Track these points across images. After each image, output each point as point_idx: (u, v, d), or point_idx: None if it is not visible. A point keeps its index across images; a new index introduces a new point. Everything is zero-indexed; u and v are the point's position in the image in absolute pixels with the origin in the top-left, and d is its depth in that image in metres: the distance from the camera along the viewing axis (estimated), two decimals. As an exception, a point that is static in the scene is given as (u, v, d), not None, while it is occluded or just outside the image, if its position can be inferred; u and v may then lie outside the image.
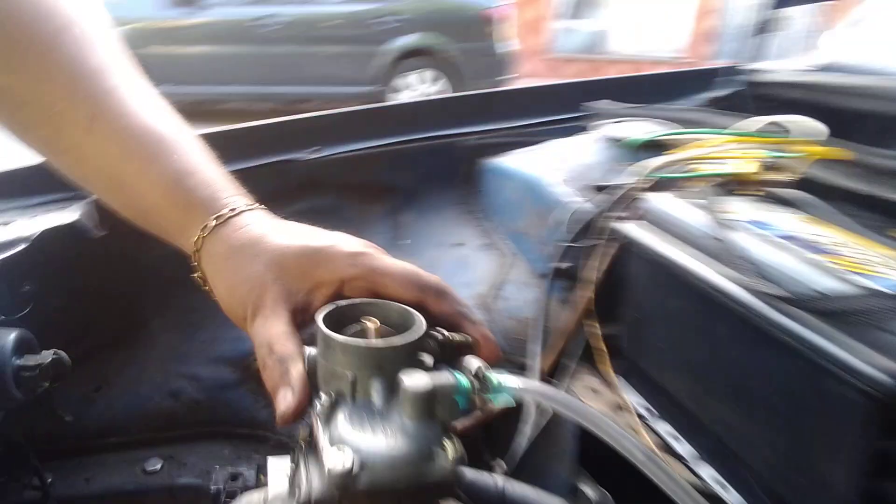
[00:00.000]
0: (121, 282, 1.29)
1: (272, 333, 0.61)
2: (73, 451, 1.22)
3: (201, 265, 0.70)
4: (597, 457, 1.01)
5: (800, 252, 0.73)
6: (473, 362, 0.55)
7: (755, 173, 0.92)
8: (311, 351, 0.59)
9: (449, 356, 0.61)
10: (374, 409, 0.54)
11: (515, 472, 0.93)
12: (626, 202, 1.03)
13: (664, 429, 0.91)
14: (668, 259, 0.86)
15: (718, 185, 0.95)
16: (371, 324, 0.59)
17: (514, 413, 1.05)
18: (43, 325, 1.15)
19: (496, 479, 0.94)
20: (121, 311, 1.32)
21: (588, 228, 1.06)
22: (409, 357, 0.56)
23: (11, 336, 1.01)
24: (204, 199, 0.71)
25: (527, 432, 0.98)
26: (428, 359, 0.58)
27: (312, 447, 0.57)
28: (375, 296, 0.64)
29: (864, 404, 0.61)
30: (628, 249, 0.97)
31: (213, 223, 0.69)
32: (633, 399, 0.97)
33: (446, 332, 0.62)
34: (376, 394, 0.55)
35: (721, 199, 0.90)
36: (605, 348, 1.00)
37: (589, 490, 1.00)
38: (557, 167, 1.21)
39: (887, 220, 0.85)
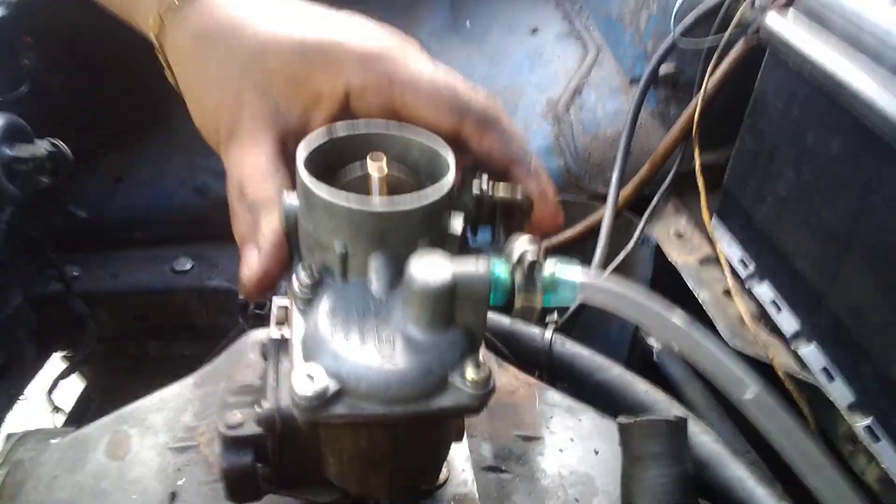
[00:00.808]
0: (136, 60, 1.11)
1: (246, 171, 0.43)
2: (97, 245, 1.15)
3: (166, 55, 0.51)
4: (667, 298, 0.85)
5: None
6: (521, 245, 0.36)
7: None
8: (292, 200, 0.41)
9: (488, 217, 0.42)
10: (369, 297, 0.37)
11: (567, 327, 0.78)
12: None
13: (764, 292, 0.73)
14: (829, 75, 0.60)
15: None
16: (377, 167, 0.39)
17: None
18: (46, 109, 1.01)
19: (544, 333, 0.80)
20: (137, 95, 1.15)
21: (708, 18, 0.78)
22: (427, 224, 0.37)
23: (-2, 121, 0.87)
24: None
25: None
26: (457, 222, 0.39)
27: (287, 341, 0.42)
28: (394, 116, 0.44)
29: None
30: (764, 51, 0.70)
31: (169, 7, 0.48)
32: (728, 249, 0.77)
33: (487, 183, 0.41)
34: (375, 276, 0.37)
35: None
36: (702, 181, 0.78)
37: (655, 340, 0.86)
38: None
39: None
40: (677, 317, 0.37)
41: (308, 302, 0.38)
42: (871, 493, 0.59)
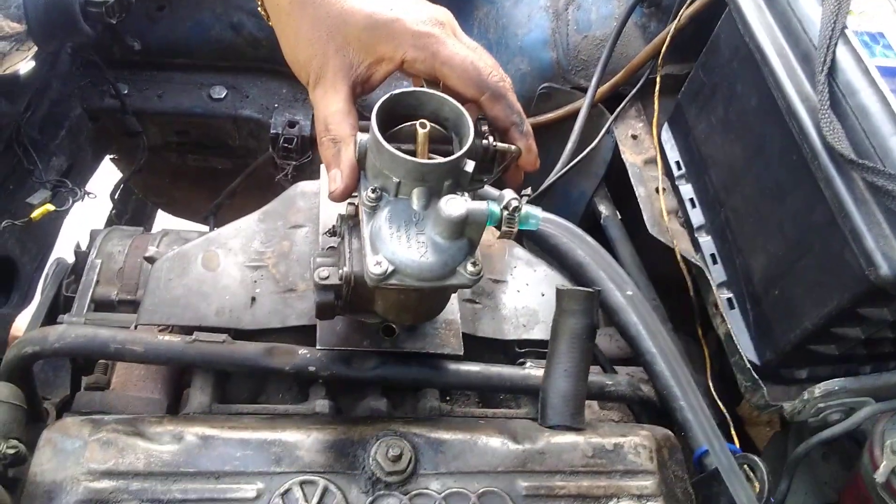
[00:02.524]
0: None
1: (330, 111, 0.63)
2: (146, 66, 1.30)
3: (265, 5, 0.67)
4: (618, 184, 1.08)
5: (895, 103, 0.68)
6: (507, 195, 0.59)
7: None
8: (363, 137, 0.62)
9: (490, 161, 0.64)
10: (412, 211, 0.60)
11: (538, 198, 1.01)
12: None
13: (686, 191, 0.97)
14: (760, 48, 0.79)
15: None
16: (422, 129, 0.59)
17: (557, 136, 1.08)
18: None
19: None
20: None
21: (691, -41, 0.93)
22: (451, 170, 0.59)
23: (74, -32, 0.99)
24: None
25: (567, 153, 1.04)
26: (469, 165, 0.61)
27: (356, 226, 0.65)
28: (434, 80, 0.63)
29: (857, 273, 0.66)
30: (724, 5, 0.87)
31: None
32: (670, 152, 1.00)
33: (493, 140, 0.63)
34: (417, 200, 0.60)
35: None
36: (657, 102, 0.98)
37: (604, 207, 1.11)
38: None
39: None
40: (591, 242, 0.62)
41: (373, 209, 0.61)
42: (718, 342, 0.88)
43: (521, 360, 0.84)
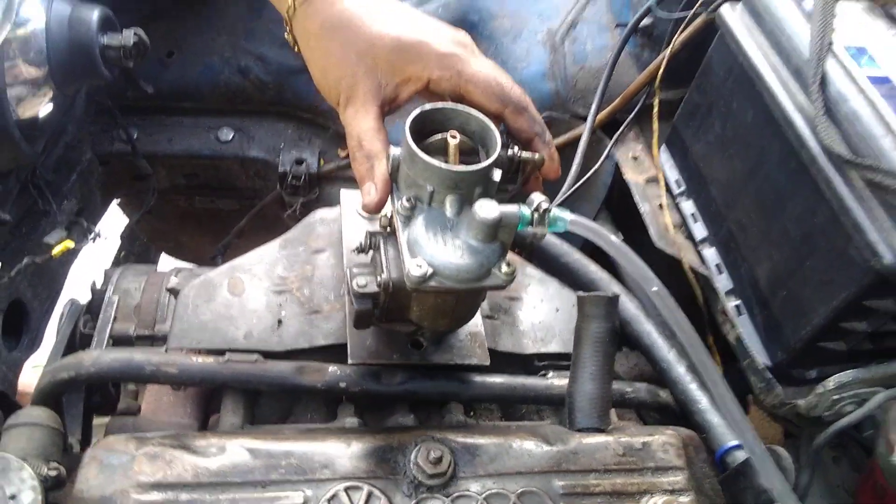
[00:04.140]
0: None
1: (362, 129, 0.67)
2: (155, 111, 1.34)
3: (294, 32, 0.71)
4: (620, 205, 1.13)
5: (883, 109, 0.73)
6: (537, 198, 0.62)
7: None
8: (395, 151, 0.65)
9: (515, 172, 0.68)
10: (446, 218, 0.63)
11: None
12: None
13: (688, 207, 1.01)
14: (753, 66, 0.85)
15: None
16: (453, 140, 0.63)
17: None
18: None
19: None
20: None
21: (681, -8, 1.00)
22: (481, 177, 0.63)
23: (95, 14, 1.04)
24: None
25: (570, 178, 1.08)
26: (497, 173, 0.65)
27: (392, 235, 0.68)
28: (459, 98, 0.68)
29: (862, 265, 0.70)
30: (716, 30, 0.93)
31: None
32: (669, 171, 1.05)
33: (517, 150, 0.67)
34: (450, 207, 0.63)
35: (834, 2, 0.83)
36: (656, 122, 1.03)
37: (610, 226, 1.15)
38: None
39: None
40: (617, 241, 0.65)
41: (407, 218, 0.64)
42: (729, 347, 0.91)
43: (542, 372, 0.86)
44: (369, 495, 0.63)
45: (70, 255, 1.21)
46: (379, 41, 0.67)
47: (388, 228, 0.69)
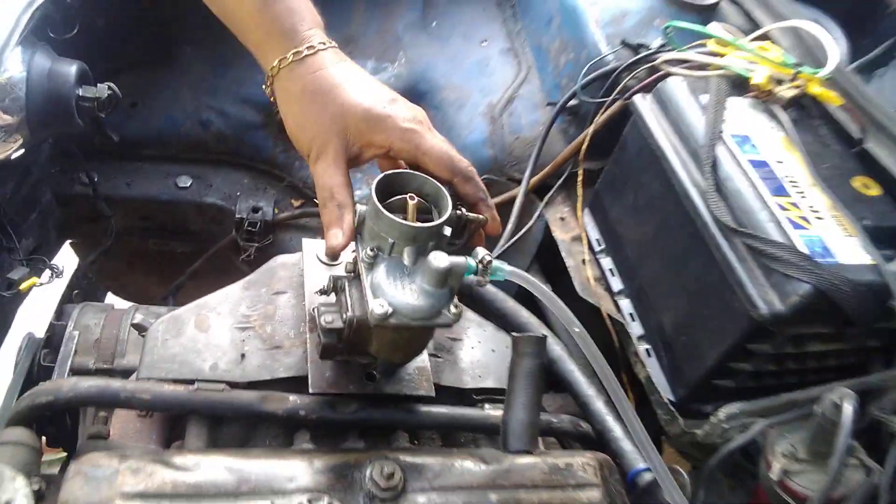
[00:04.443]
0: (157, 6, 1.34)
1: (334, 182, 0.78)
2: (115, 157, 1.41)
3: (274, 89, 0.83)
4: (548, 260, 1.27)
5: (761, 188, 0.90)
6: (481, 252, 0.75)
7: (763, 83, 1.02)
8: (360, 208, 0.76)
9: (463, 227, 0.80)
10: (404, 266, 0.74)
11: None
12: (645, 66, 1.13)
13: (606, 263, 1.16)
14: (659, 147, 1.01)
15: (730, 79, 1.05)
16: (412, 201, 0.75)
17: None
18: (88, 45, 1.24)
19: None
20: (157, 32, 1.39)
21: (602, 80, 1.17)
22: (435, 233, 0.75)
23: (73, 69, 1.12)
24: (285, 29, 0.79)
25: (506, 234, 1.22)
26: (447, 230, 0.77)
27: (355, 279, 0.79)
28: (415, 166, 0.80)
29: (743, 315, 0.85)
30: (629, 112, 1.10)
31: (291, 58, 0.79)
32: (591, 231, 1.20)
33: (464, 211, 0.79)
34: (408, 257, 0.75)
35: (726, 97, 1.01)
36: (581, 189, 1.19)
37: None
38: (598, 1, 1.23)
39: (858, 165, 0.99)
40: (547, 290, 0.78)
41: (370, 265, 0.75)
42: (641, 386, 1.05)
43: (480, 404, 0.97)
44: (329, 505, 0.71)
45: (18, 295, 1.25)
46: (351, 109, 0.79)
47: (353, 273, 0.80)
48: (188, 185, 1.42)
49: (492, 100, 1.32)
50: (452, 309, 0.73)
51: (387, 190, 0.77)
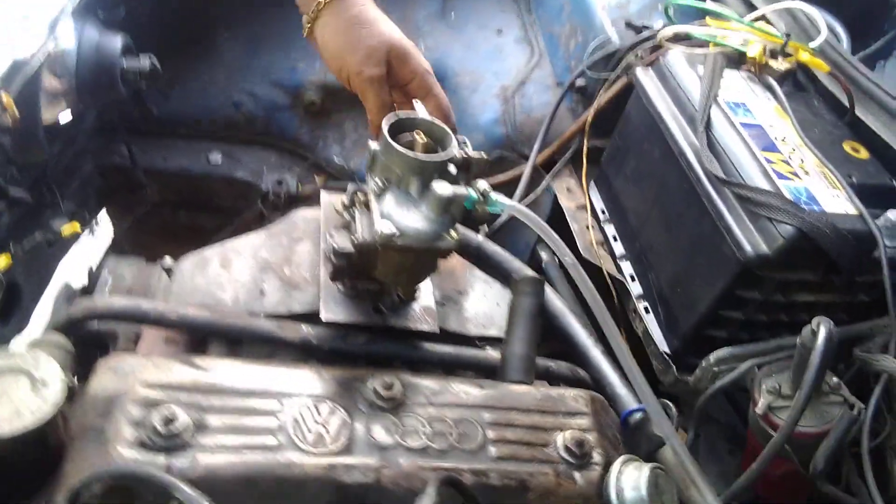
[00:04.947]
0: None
1: (377, 78, 0.93)
2: (153, 134, 1.51)
3: (315, 26, 0.96)
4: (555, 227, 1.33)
5: (751, 144, 0.95)
6: (482, 184, 0.81)
7: (758, 56, 1.08)
8: (373, 145, 0.84)
9: (465, 167, 0.87)
10: (410, 196, 0.81)
11: (492, 236, 1.24)
12: (648, 45, 1.20)
13: (609, 229, 1.21)
14: (658, 113, 1.07)
15: (727, 55, 1.11)
16: (420, 138, 0.83)
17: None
18: (133, 26, 1.34)
19: (477, 237, 1.26)
20: (196, 19, 1.50)
21: (608, 59, 1.23)
22: (440, 167, 0.81)
23: (119, 40, 1.22)
24: None
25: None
26: (453, 169, 0.83)
27: (366, 208, 0.86)
28: (420, 90, 0.92)
29: (732, 259, 0.90)
30: (632, 88, 1.16)
31: None
32: (596, 202, 1.25)
33: (468, 151, 0.86)
34: (414, 188, 0.81)
35: (721, 69, 1.07)
36: (585, 160, 1.25)
37: (545, 254, 1.34)
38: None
39: (849, 131, 1.04)
40: (541, 221, 0.84)
41: (380, 195, 0.82)
42: (638, 339, 1.09)
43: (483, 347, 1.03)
44: (332, 409, 0.77)
45: (62, 248, 1.34)
46: (391, 40, 0.94)
47: (364, 207, 0.87)
48: (219, 160, 1.51)
49: (505, 83, 1.40)
50: (453, 233, 0.80)
51: (397, 129, 0.84)
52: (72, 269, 1.37)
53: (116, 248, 1.58)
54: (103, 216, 1.46)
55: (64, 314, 0.87)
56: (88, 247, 1.37)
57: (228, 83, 1.52)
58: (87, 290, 1.15)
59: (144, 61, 1.25)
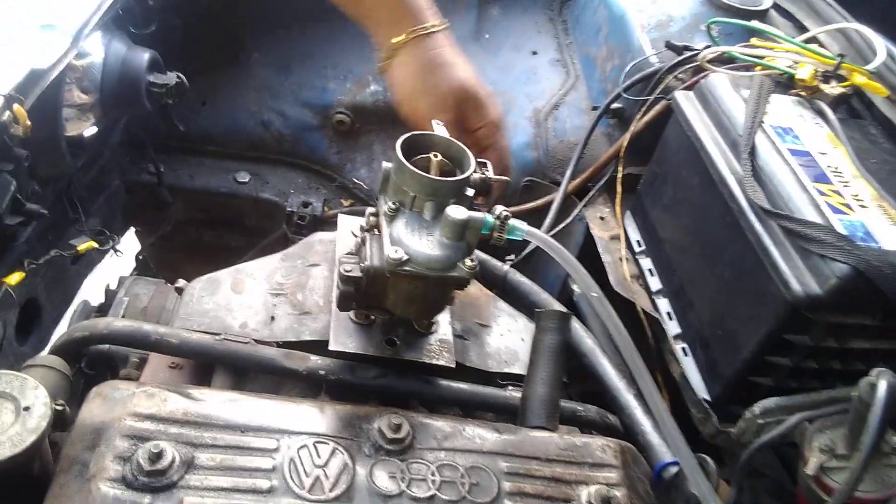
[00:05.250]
0: (229, 13, 1.45)
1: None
2: (181, 151, 1.49)
3: (391, 62, 0.94)
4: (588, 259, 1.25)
5: (800, 173, 0.87)
6: (499, 209, 0.75)
7: (808, 79, 1.00)
8: (386, 164, 0.79)
9: (488, 192, 0.81)
10: (423, 220, 0.75)
11: (519, 266, 1.17)
12: (688, 68, 1.13)
13: (645, 262, 1.14)
14: (698, 139, 1.00)
15: (774, 78, 1.03)
16: (435, 157, 0.77)
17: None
18: (165, 43, 1.33)
19: (504, 266, 1.20)
20: (227, 37, 1.49)
21: (646, 81, 1.17)
22: (456, 189, 0.76)
23: (146, 55, 1.21)
24: (412, 9, 0.92)
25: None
26: (469, 189, 0.78)
27: (377, 232, 0.80)
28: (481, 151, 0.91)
29: (779, 299, 0.82)
30: (671, 112, 1.09)
31: (412, 36, 0.91)
32: (631, 232, 1.18)
33: (488, 173, 0.80)
34: (427, 211, 0.76)
35: (768, 93, 1.00)
36: (620, 188, 1.18)
37: (576, 287, 1.27)
38: (646, 8, 1.25)
39: None
40: (564, 251, 0.77)
41: (391, 218, 0.77)
42: (675, 383, 1.01)
43: (505, 388, 0.96)
44: (333, 451, 0.71)
45: (87, 266, 1.33)
46: (466, 84, 0.94)
47: (375, 230, 0.82)
48: (246, 180, 1.49)
49: (538, 105, 1.34)
50: (468, 262, 0.74)
51: (412, 149, 0.79)
52: (95, 288, 1.35)
53: (141, 266, 1.57)
54: (127, 233, 1.45)
55: (64, 335, 0.84)
56: (111, 265, 1.35)
57: (258, 102, 1.50)
58: (103, 310, 1.13)
59: (171, 77, 1.24)
